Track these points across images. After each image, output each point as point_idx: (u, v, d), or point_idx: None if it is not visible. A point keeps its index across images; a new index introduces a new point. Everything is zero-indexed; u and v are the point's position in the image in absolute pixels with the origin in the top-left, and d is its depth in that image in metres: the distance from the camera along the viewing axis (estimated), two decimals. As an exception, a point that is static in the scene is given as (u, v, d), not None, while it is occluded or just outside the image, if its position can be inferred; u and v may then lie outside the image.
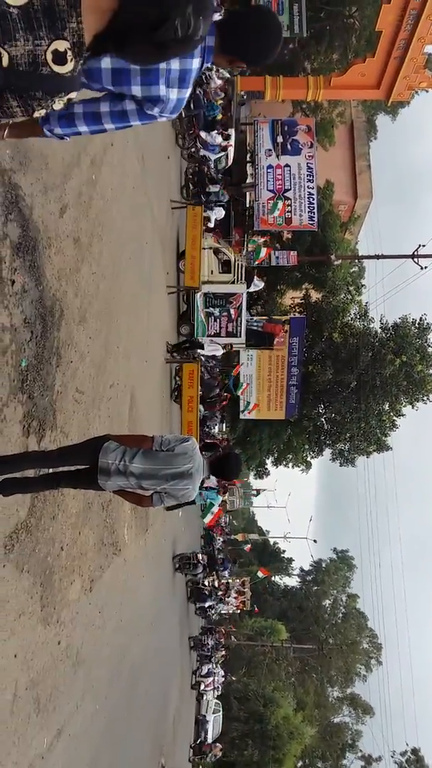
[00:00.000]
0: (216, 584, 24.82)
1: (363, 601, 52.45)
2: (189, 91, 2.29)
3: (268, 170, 22.56)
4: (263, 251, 20.97)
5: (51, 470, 4.31)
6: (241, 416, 23.75)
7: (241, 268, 18.28)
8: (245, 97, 23.89)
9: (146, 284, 10.89)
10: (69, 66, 1.71)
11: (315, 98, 23.00)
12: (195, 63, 2.22)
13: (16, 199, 4.27)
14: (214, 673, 26.43)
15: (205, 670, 25.24)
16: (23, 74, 1.68)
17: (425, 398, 22.97)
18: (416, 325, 23.08)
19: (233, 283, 17.88)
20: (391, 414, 23.62)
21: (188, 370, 14.09)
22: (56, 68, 1.70)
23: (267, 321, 22.66)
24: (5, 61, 1.64)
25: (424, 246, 23.15)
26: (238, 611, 32.12)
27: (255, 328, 21.49)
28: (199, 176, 17.67)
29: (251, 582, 33.03)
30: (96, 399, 6.58)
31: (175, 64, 2.19)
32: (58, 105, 1.85)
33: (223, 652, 30.09)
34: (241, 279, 18.12)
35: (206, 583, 22.44)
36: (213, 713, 26.91)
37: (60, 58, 1.69)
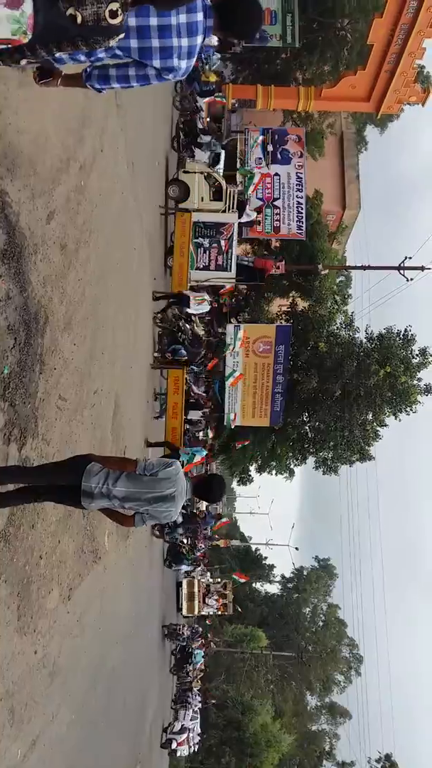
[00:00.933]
0: (195, 544, 23.82)
1: (343, 608, 52.61)
2: (194, 60, 3.15)
3: (260, 184, 22.64)
4: (257, 176, 19.99)
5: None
6: (226, 424, 23.73)
7: (234, 196, 17.08)
8: (237, 105, 23.97)
9: (133, 290, 10.87)
10: (119, 19, 2.58)
11: (306, 109, 23.17)
12: (198, 39, 3.05)
13: (3, 206, 4.25)
14: (188, 729, 24.15)
15: (177, 726, 23.12)
16: (90, 27, 2.54)
17: (408, 409, 23.11)
18: (401, 336, 23.23)
19: (224, 212, 16.80)
20: (375, 424, 23.73)
21: (173, 376, 14.08)
22: (111, 21, 2.55)
23: (258, 257, 21.84)
24: (79, 20, 2.49)
25: (410, 258, 23.35)
26: (219, 613, 30.60)
27: (246, 263, 20.54)
28: (191, 126, 17.25)
29: (233, 585, 32.10)
30: (79, 406, 6.54)
31: (184, 42, 3.01)
32: (113, 42, 2.69)
33: (201, 642, 28.72)
34: (233, 208, 17.05)
35: (184, 541, 21.84)
36: (191, 720, 26.74)
37: (113, 14, 2.54)
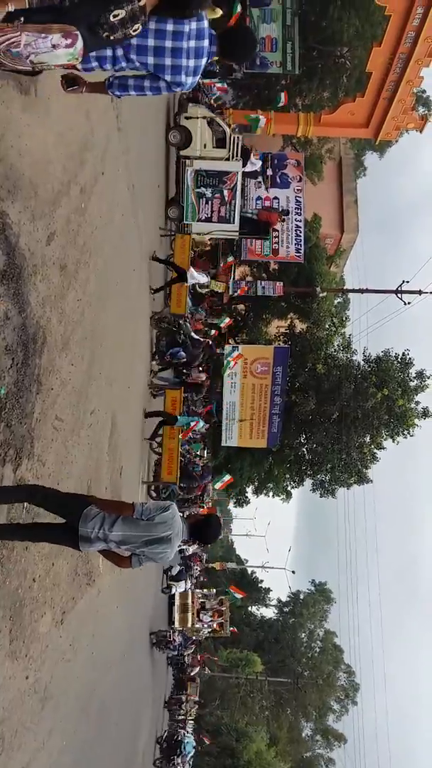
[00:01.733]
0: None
1: (340, 633, 52.01)
2: (198, 77, 3.77)
3: (257, 202, 22.88)
4: (262, 120, 19.42)
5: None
6: (223, 444, 23.70)
7: (238, 143, 16.19)
8: (237, 130, 24.29)
9: (132, 310, 10.91)
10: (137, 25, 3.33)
11: (305, 134, 23.48)
12: (203, 61, 3.68)
13: (3, 227, 4.27)
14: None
15: None
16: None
17: (406, 432, 23.10)
18: (399, 359, 23.32)
19: (228, 160, 15.98)
20: (372, 447, 23.70)
21: (171, 397, 14.07)
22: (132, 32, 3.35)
23: (262, 209, 21.30)
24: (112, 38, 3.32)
25: (407, 282, 23.54)
26: (213, 633, 28.28)
27: (250, 215, 19.88)
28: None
29: (229, 601, 30.31)
30: (76, 426, 6.52)
31: (191, 62, 3.65)
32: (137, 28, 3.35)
33: (193, 649, 26.81)
34: (237, 156, 16.14)
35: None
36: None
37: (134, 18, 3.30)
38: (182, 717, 24.58)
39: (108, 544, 4.14)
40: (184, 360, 14.44)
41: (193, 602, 23.68)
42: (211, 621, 26.52)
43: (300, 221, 23.02)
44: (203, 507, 24.59)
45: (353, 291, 27.30)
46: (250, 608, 57.31)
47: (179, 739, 22.68)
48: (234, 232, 17.10)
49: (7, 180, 4.32)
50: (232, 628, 29.98)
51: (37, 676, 5.28)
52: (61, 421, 5.87)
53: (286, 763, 41.57)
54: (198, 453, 20.61)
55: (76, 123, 6.21)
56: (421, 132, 22.41)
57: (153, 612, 18.82)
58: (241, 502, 30.82)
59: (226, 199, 16.00)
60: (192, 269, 14.44)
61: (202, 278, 16.02)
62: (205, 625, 26.23)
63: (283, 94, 21.51)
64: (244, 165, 16.34)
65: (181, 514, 4.51)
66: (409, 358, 23.29)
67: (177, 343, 14.36)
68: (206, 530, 4.61)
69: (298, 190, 23.15)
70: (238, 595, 29.68)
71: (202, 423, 16.67)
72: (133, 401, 11.32)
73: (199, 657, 29.64)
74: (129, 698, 12.50)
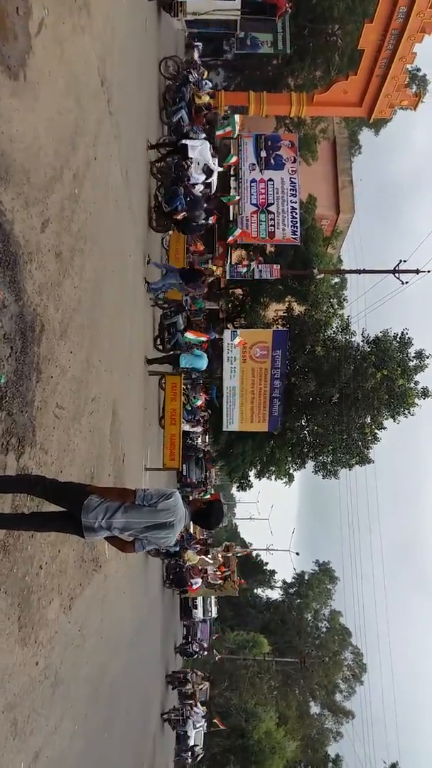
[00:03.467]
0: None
1: (345, 612, 52.46)
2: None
3: (252, 184, 22.73)
4: (237, 122, 19.03)
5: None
6: (224, 428, 23.75)
7: None
8: (229, 111, 24.07)
9: (129, 297, 10.86)
10: None
11: (298, 114, 23.28)
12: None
13: (-3, 215, 4.24)
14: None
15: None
16: None
17: (406, 412, 23.12)
18: (397, 339, 23.29)
19: None
20: (373, 427, 23.74)
21: (171, 382, 14.06)
22: None
23: None
24: None
25: (405, 261, 23.42)
26: (220, 581, 24.81)
27: None
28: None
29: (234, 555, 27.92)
30: (77, 414, 6.52)
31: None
32: None
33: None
34: None
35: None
36: (195, 728, 26.59)
37: None
38: (191, 692, 24.31)
39: (111, 532, 4.20)
40: (183, 214, 13.26)
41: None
42: (215, 573, 24.14)
43: (295, 203, 22.88)
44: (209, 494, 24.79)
45: (350, 272, 27.19)
46: (255, 590, 57.79)
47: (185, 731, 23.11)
48: (235, 11, 15.74)
49: (-1, 167, 4.28)
50: (240, 579, 27.54)
51: (48, 661, 5.32)
52: (62, 408, 5.87)
53: (296, 741, 42.13)
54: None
55: (67, 107, 6.14)
56: (414, 109, 22.23)
57: (161, 597, 18.97)
58: (244, 486, 30.93)
59: None
60: (188, 141, 13.24)
61: (206, 151, 13.96)
62: (211, 570, 23.81)
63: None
64: None
65: (185, 502, 4.54)
66: (408, 338, 23.26)
67: (176, 192, 13.34)
68: (209, 516, 4.65)
69: (292, 171, 22.98)
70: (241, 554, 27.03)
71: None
72: (134, 388, 11.31)
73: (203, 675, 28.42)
74: (139, 682, 12.64)
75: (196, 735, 25.19)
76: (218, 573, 24.35)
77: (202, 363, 15.46)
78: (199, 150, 13.38)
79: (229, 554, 26.44)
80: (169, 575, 20.90)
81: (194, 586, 22.27)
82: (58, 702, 5.63)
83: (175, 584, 21.81)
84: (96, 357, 7.45)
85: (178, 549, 19.11)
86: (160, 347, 14.78)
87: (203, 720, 24.12)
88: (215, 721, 31.03)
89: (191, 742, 24.70)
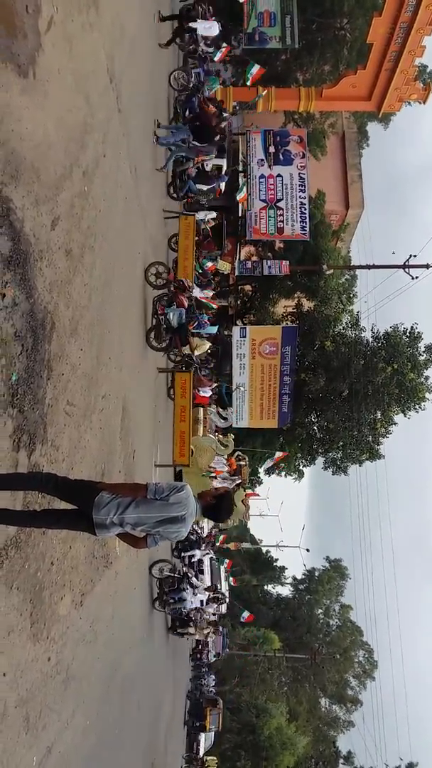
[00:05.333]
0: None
1: (356, 608, 52.38)
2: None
3: (260, 180, 22.66)
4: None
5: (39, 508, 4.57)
6: (234, 425, 23.74)
7: None
8: (238, 108, 23.99)
9: (139, 294, 10.88)
10: None
11: (307, 109, 23.16)
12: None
13: (7, 213, 4.25)
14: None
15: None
16: None
17: (417, 406, 23.03)
18: (407, 333, 23.18)
19: None
20: (383, 422, 23.65)
21: (181, 379, 14.05)
22: None
23: None
24: None
25: (415, 256, 23.30)
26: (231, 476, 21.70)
27: None
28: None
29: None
30: (87, 411, 6.54)
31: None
32: None
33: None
34: None
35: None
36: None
37: None
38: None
39: (124, 527, 4.18)
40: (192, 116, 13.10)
41: (205, 417, 20.04)
42: (225, 466, 21.43)
43: (304, 198, 22.78)
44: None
45: (360, 267, 27.04)
46: (266, 587, 57.81)
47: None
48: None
49: (9, 165, 4.29)
50: (251, 492, 25.06)
51: (59, 657, 5.36)
52: (72, 406, 5.89)
53: (306, 736, 42.18)
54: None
55: (76, 105, 6.14)
56: (424, 103, 22.04)
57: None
58: (254, 482, 30.95)
59: None
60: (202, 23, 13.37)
61: (214, 29, 14.13)
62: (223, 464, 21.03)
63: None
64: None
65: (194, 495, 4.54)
66: (418, 332, 23.15)
67: (191, 100, 13.51)
68: (219, 509, 4.65)
69: (301, 166, 22.89)
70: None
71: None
72: (144, 384, 11.33)
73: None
74: (150, 678, 12.69)
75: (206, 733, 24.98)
76: (228, 470, 21.49)
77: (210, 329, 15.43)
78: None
79: (242, 463, 22.71)
80: None
81: (201, 394, 18.09)
82: (70, 697, 5.67)
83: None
84: (106, 354, 7.46)
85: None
86: (174, 195, 14.53)
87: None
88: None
89: (201, 739, 24.51)
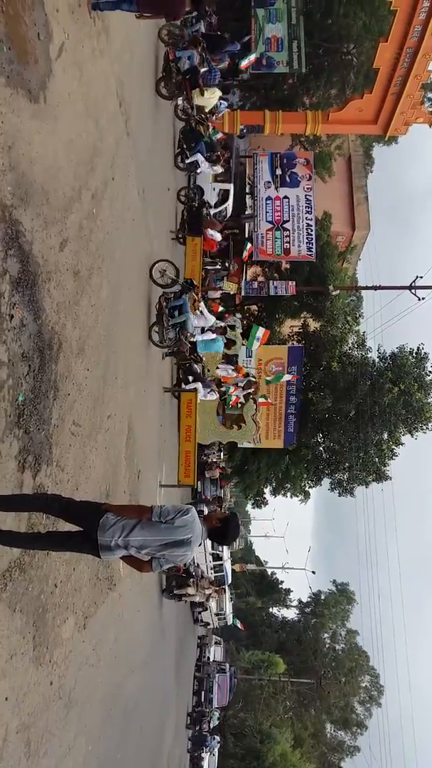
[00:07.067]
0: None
1: (362, 632, 51.64)
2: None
3: (267, 202, 22.84)
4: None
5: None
6: (239, 445, 23.67)
7: None
8: (245, 130, 24.27)
9: (145, 315, 10.92)
10: None
11: (313, 132, 23.40)
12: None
13: (17, 235, 4.29)
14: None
15: None
16: None
17: (424, 427, 22.90)
18: (414, 354, 23.14)
19: None
20: (390, 443, 23.51)
21: (186, 399, 14.06)
22: None
23: None
24: None
25: (421, 277, 23.33)
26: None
27: None
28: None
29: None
30: (93, 431, 6.54)
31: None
32: None
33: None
34: None
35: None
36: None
37: None
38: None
39: (129, 550, 4.14)
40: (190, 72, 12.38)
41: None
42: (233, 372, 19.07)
43: (311, 220, 22.94)
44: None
45: (366, 288, 27.11)
46: (271, 609, 57.16)
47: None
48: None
49: (19, 188, 4.34)
50: (266, 401, 21.44)
51: (62, 681, 5.29)
52: (78, 426, 5.89)
53: (311, 763, 41.39)
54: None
55: (85, 129, 6.23)
56: (430, 126, 22.24)
57: (176, 614, 18.82)
58: (259, 503, 30.74)
59: None
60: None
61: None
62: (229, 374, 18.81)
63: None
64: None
65: (200, 514, 4.49)
66: (425, 353, 23.10)
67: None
68: (225, 533, 4.58)
69: (308, 188, 23.07)
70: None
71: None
72: (150, 405, 11.33)
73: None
74: (153, 702, 12.51)
75: (209, 760, 23.97)
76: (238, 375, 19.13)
77: (218, 346, 15.27)
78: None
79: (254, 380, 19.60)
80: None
81: (211, 237, 16.11)
82: (71, 722, 5.59)
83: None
84: (112, 374, 7.48)
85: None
86: (181, 165, 14.43)
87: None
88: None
89: (204, 765, 23.45)
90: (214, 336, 15.05)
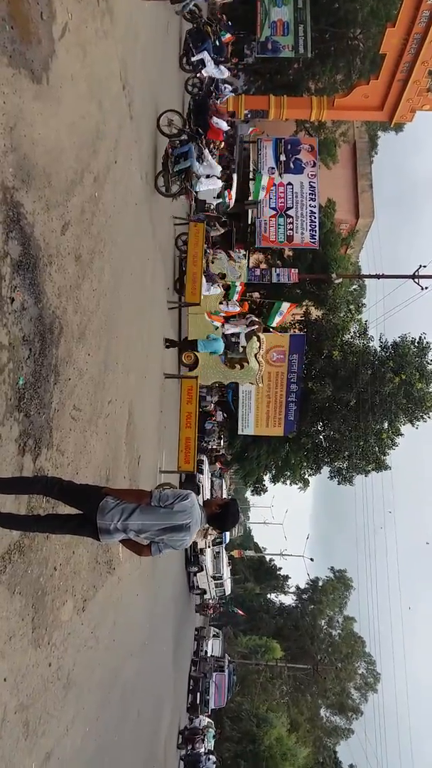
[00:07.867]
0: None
1: (359, 619, 51.97)
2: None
3: (271, 188, 22.69)
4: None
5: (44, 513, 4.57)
6: (240, 432, 23.73)
7: None
8: (249, 116, 24.06)
9: (147, 300, 10.89)
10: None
11: (318, 118, 23.19)
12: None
13: (18, 218, 4.26)
14: None
15: None
16: None
17: (425, 416, 22.90)
18: (416, 344, 23.08)
19: None
20: (390, 432, 23.53)
21: (187, 386, 14.04)
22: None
23: None
24: None
25: (424, 267, 23.21)
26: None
27: None
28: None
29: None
30: (93, 416, 6.54)
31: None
32: None
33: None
34: None
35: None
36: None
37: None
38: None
39: (128, 534, 4.16)
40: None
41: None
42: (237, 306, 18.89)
43: (314, 207, 22.81)
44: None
45: (369, 277, 26.99)
46: (268, 595, 57.58)
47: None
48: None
49: (21, 170, 4.31)
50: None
51: (60, 663, 5.33)
52: (78, 410, 5.89)
53: (307, 747, 41.83)
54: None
55: (88, 112, 6.17)
56: (437, 113, 22.04)
57: (174, 599, 18.96)
58: (259, 490, 30.86)
59: None
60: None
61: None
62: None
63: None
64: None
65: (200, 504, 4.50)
66: (427, 342, 23.05)
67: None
68: (225, 519, 4.60)
69: (311, 175, 22.92)
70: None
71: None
72: (150, 390, 11.34)
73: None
74: (151, 685, 12.63)
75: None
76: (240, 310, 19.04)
77: (219, 346, 15.46)
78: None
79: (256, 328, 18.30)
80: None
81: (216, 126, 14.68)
82: (70, 703, 5.64)
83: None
84: (113, 359, 7.47)
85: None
86: (187, 67, 14.40)
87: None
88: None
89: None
90: (216, 337, 15.31)
